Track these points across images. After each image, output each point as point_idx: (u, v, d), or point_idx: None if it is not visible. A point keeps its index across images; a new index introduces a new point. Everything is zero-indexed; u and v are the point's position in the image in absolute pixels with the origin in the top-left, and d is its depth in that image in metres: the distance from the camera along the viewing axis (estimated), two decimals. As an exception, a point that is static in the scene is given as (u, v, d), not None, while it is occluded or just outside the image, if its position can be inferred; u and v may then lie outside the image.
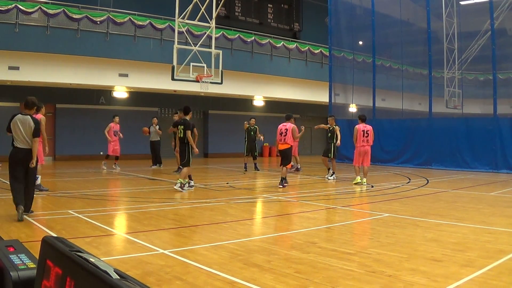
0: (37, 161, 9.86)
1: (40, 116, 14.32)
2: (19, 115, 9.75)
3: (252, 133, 22.36)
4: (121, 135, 21.93)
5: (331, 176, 18.62)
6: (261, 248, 7.29)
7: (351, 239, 8.13)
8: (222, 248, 7.28)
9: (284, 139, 16.19)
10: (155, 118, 24.07)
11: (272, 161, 31.37)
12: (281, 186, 15.79)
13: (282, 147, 16.35)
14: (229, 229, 8.85)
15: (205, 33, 21.44)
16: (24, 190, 9.45)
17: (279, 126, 16.54)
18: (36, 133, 9.63)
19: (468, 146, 23.34)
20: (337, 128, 19.03)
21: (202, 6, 19.37)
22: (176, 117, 19.49)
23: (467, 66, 27.92)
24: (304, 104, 36.26)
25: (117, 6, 26.33)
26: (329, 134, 19.21)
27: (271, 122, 36.00)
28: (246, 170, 21.97)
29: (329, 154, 19.07)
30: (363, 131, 16.81)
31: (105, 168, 21.60)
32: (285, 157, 16.34)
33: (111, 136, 21.59)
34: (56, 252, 1.43)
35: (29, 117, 9.70)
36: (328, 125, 19.42)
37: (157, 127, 23.48)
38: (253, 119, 22.89)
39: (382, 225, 9.24)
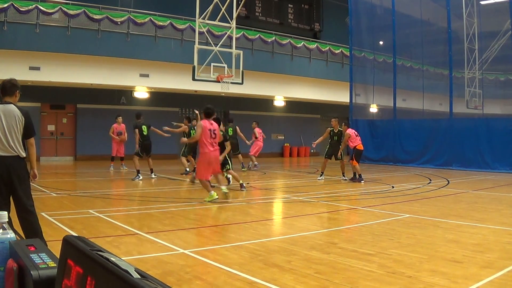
0: (29, 176, 6.61)
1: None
2: None
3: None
4: (124, 137, 21.79)
5: (320, 177, 18.65)
6: (281, 249, 7.28)
7: (372, 239, 8.09)
8: (242, 248, 7.29)
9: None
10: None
11: (293, 161, 31.27)
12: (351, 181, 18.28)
13: (361, 146, 18.49)
14: (249, 229, 8.85)
15: (226, 33, 21.40)
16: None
17: (351, 131, 18.52)
18: (31, 131, 6.53)
19: (489, 147, 23.15)
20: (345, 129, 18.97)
21: (223, 7, 19.38)
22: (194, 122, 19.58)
23: (487, 66, 27.63)
24: (325, 105, 36.12)
25: (137, 7, 26.48)
26: (335, 138, 18.90)
27: (292, 123, 36.11)
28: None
29: (339, 156, 18.91)
30: (210, 130, 12.36)
31: (112, 169, 21.64)
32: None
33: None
34: (77, 251, 1.43)
35: (14, 106, 6.40)
36: (331, 128, 19.08)
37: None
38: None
39: (403, 226, 9.19)
